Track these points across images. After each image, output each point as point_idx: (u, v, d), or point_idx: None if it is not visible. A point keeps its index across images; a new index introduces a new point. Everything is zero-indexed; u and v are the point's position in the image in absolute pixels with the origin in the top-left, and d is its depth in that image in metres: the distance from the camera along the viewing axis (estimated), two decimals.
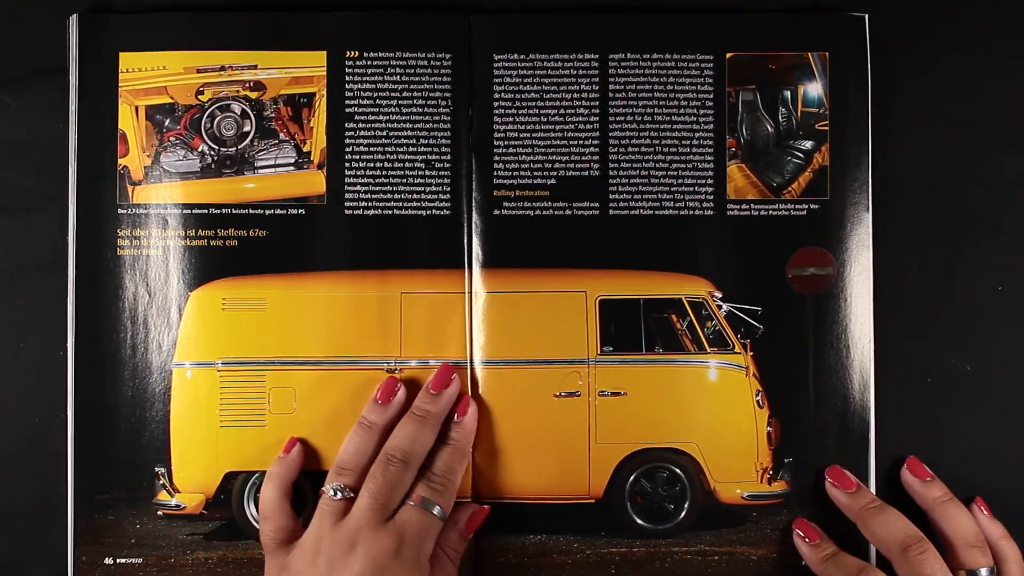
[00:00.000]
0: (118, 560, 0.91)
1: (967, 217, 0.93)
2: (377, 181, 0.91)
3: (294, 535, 0.85)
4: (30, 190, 0.93)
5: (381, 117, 0.91)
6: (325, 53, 0.91)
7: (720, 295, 0.92)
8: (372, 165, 0.91)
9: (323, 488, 0.85)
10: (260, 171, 0.92)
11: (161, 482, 0.91)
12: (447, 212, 0.91)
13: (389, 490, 0.83)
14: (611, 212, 0.91)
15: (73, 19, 0.91)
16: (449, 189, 0.91)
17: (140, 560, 0.91)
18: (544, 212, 0.91)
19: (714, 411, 0.92)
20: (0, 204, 0.93)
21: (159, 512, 0.91)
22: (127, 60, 0.91)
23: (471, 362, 0.91)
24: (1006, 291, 0.93)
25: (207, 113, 0.92)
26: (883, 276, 0.92)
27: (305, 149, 0.92)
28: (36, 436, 0.93)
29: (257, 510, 0.91)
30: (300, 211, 0.91)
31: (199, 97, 0.92)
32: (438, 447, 0.87)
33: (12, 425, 0.93)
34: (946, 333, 0.93)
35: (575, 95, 0.92)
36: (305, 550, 0.83)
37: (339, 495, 0.84)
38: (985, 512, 0.89)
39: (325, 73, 0.92)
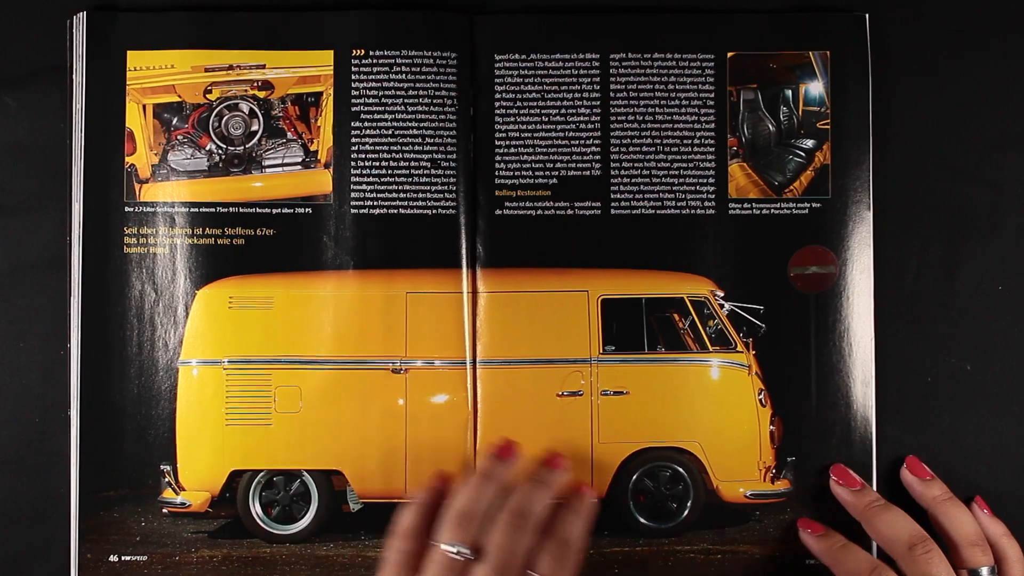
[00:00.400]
0: (123, 557, 0.91)
1: (967, 217, 0.93)
2: (383, 180, 0.91)
3: (420, 561, 0.82)
4: (30, 190, 0.93)
5: (387, 116, 0.91)
6: (332, 52, 0.92)
7: (722, 294, 0.92)
8: (378, 164, 0.91)
9: (441, 542, 0.81)
10: (267, 170, 0.92)
11: (166, 480, 0.91)
12: (452, 211, 0.91)
13: (513, 559, 0.80)
14: (613, 212, 0.92)
15: (80, 17, 0.91)
16: (454, 188, 0.91)
17: (145, 557, 0.91)
18: (546, 212, 0.92)
19: (717, 410, 0.92)
20: (0, 204, 0.93)
21: (164, 510, 0.92)
22: (135, 58, 0.92)
23: (474, 362, 0.91)
24: (1006, 291, 0.93)
25: (215, 112, 0.92)
26: (883, 276, 0.92)
27: (312, 148, 0.92)
28: (36, 435, 0.93)
29: (262, 509, 0.92)
30: (307, 210, 0.91)
31: (207, 96, 0.92)
32: (560, 511, 0.85)
33: (12, 424, 0.93)
34: (946, 333, 0.93)
35: (576, 95, 0.92)
36: None
37: (460, 555, 0.80)
38: (985, 511, 0.89)
39: (332, 72, 0.92)
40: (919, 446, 0.92)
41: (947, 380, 0.93)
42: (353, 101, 0.92)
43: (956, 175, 0.94)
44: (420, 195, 0.91)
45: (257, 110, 0.92)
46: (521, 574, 0.80)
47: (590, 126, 0.92)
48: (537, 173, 0.92)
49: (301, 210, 0.91)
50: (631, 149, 0.92)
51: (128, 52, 0.92)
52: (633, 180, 0.92)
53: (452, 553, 0.80)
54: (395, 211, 0.91)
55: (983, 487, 0.91)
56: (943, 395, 0.93)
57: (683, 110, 0.92)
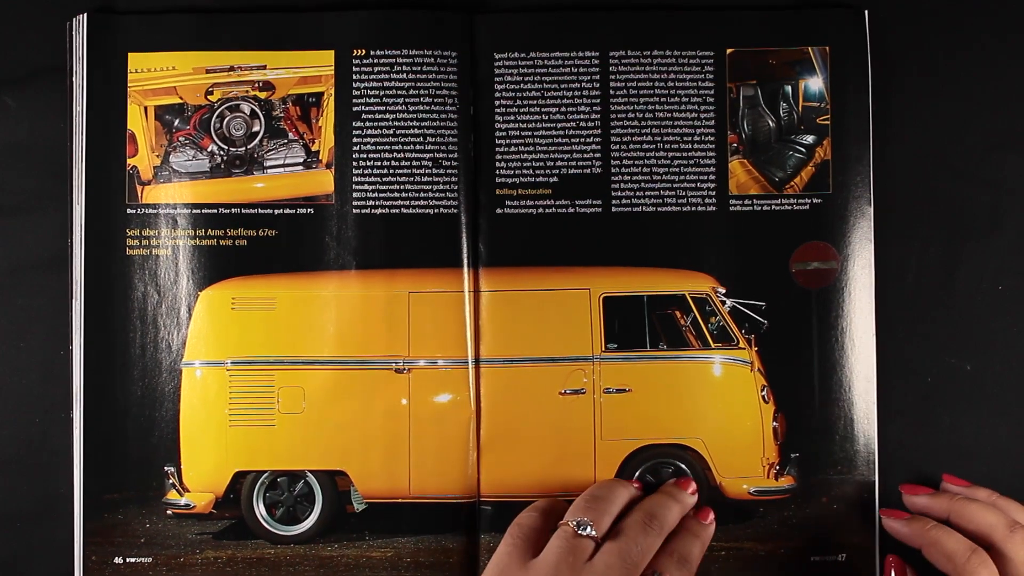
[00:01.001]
0: (128, 559, 0.91)
1: (967, 217, 0.93)
2: (384, 180, 0.91)
3: (541, 539, 0.82)
4: (30, 190, 0.93)
5: (388, 115, 0.92)
6: (333, 52, 0.92)
7: (724, 291, 0.92)
8: (379, 164, 0.92)
9: (568, 517, 0.82)
10: (269, 171, 0.92)
11: (171, 481, 0.91)
12: (454, 211, 0.91)
13: (641, 557, 0.80)
14: (614, 209, 0.92)
15: (81, 19, 0.91)
16: (456, 188, 0.91)
17: (150, 559, 0.91)
18: (547, 210, 0.92)
19: (720, 407, 0.92)
20: (0, 204, 0.93)
21: (169, 511, 0.92)
22: (136, 60, 0.92)
23: (476, 360, 0.91)
24: (1006, 291, 0.93)
25: (216, 113, 0.92)
26: (883, 275, 0.92)
27: (314, 148, 0.92)
28: (37, 436, 0.93)
29: (266, 510, 0.92)
30: (309, 211, 0.92)
31: (208, 97, 0.92)
32: (680, 532, 0.85)
33: (12, 425, 0.93)
34: (946, 333, 0.93)
35: (576, 93, 0.92)
36: None
37: (585, 530, 0.80)
38: (963, 484, 0.90)
39: (333, 72, 0.92)
40: (919, 446, 0.93)
41: (947, 380, 0.93)
42: (354, 101, 0.92)
43: (956, 175, 0.93)
44: (422, 195, 0.91)
45: (258, 111, 0.92)
46: (642, 569, 0.80)
47: (590, 124, 0.92)
48: (538, 172, 0.92)
49: (303, 210, 0.92)
50: (631, 147, 0.92)
51: (129, 54, 0.92)
52: (634, 178, 0.92)
53: (576, 529, 0.80)
54: (397, 211, 0.91)
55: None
56: (943, 395, 0.93)
57: (683, 107, 0.92)
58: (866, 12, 0.92)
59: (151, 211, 0.92)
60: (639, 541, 0.80)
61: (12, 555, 0.93)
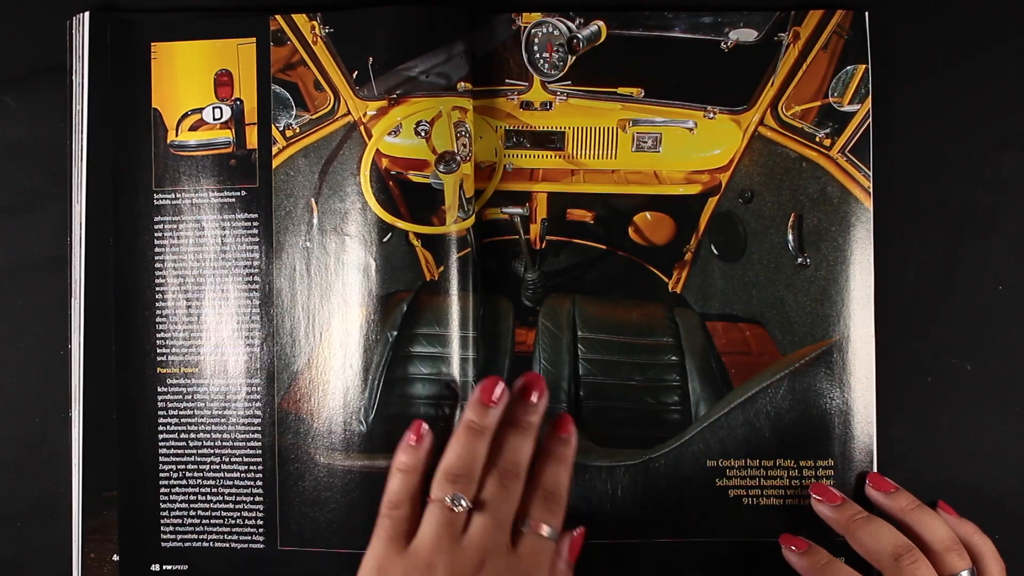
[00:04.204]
0: None
1: (967, 217, 0.93)
2: None
3: (413, 528, 0.82)
4: (30, 190, 0.93)
5: None
6: None
7: None
8: None
9: (436, 495, 0.81)
10: None
11: None
12: None
13: (509, 508, 0.81)
14: None
15: (82, 18, 0.92)
16: None
17: None
18: None
19: None
20: (0, 204, 0.94)
21: None
22: None
23: None
24: (1006, 291, 0.93)
25: None
26: (883, 276, 0.92)
27: None
28: (37, 436, 0.93)
29: None
30: None
31: None
32: (544, 461, 0.85)
33: (12, 425, 0.93)
34: (946, 333, 0.93)
35: None
36: (419, 561, 0.79)
37: (459, 506, 0.80)
38: (952, 515, 0.88)
39: None
40: (919, 446, 0.92)
41: (947, 380, 0.93)
42: None
43: (956, 175, 0.93)
44: None
45: None
46: (513, 525, 0.81)
47: None
48: None
49: None
50: None
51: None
52: None
53: (451, 504, 0.80)
54: None
55: (983, 487, 0.92)
56: (943, 395, 0.93)
57: None
58: (867, 13, 0.92)
59: None
60: (501, 499, 0.81)
61: (13, 555, 0.93)
